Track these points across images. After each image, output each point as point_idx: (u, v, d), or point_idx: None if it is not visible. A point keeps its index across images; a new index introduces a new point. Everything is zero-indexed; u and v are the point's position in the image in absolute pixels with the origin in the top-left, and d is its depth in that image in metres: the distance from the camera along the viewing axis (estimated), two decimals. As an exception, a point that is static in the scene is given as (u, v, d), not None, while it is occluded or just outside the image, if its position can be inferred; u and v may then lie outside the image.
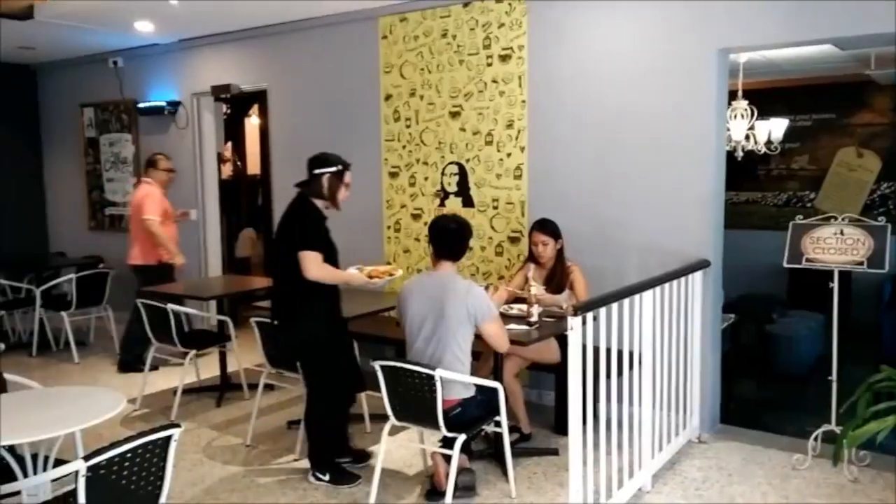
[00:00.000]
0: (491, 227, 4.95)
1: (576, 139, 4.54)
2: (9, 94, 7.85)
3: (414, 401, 3.24)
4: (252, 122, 8.55)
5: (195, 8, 5.40)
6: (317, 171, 3.57)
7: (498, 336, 3.37)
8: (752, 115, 5.44)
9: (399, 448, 3.98)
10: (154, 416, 4.71)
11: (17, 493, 2.67)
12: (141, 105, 6.92)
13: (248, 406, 4.71)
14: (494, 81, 4.83)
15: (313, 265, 3.46)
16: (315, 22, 5.65)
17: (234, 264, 8.12)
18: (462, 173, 5.06)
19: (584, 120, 4.50)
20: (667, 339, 3.67)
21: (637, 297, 3.32)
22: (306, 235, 3.49)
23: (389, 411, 3.34)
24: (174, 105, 6.76)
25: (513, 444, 3.67)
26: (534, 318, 3.66)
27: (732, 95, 5.04)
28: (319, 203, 3.60)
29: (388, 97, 5.37)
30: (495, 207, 4.92)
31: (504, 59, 4.77)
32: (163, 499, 2.45)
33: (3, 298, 6.51)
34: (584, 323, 2.86)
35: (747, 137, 5.59)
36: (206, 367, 5.30)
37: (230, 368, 5.21)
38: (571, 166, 4.57)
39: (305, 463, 3.80)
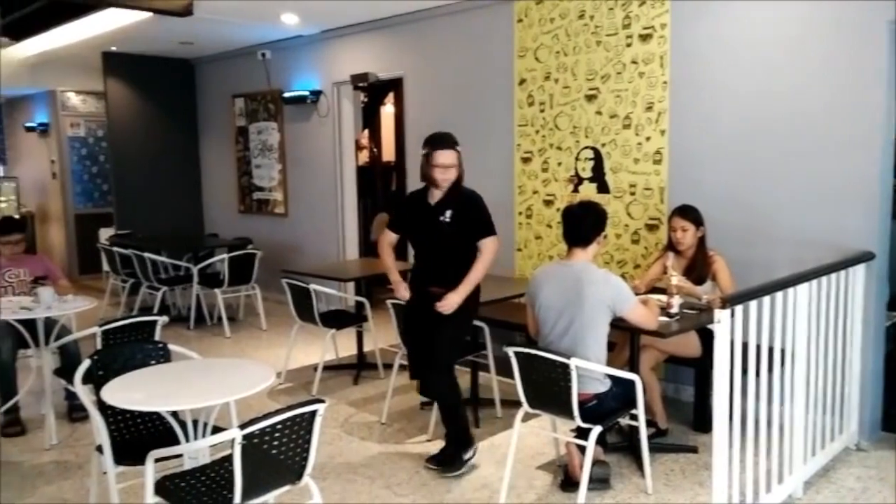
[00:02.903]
0: (627, 213, 4.79)
1: (721, 121, 4.29)
2: (172, 86, 8.57)
3: (548, 389, 3.20)
4: (387, 111, 8.77)
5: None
6: None
7: (645, 317, 3.27)
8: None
9: (530, 435, 3.96)
10: (296, 391, 4.98)
11: (180, 455, 2.90)
12: (286, 94, 7.29)
13: (382, 385, 4.87)
14: (634, 62, 4.65)
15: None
16: (451, 8, 5.69)
17: (370, 248, 8.39)
18: (597, 158, 4.93)
19: (732, 101, 4.23)
20: (823, 337, 3.40)
21: (791, 290, 3.09)
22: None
23: (522, 398, 3.33)
24: (316, 94, 7.06)
25: (649, 438, 3.55)
26: (674, 310, 3.51)
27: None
28: None
29: (521, 81, 5.31)
30: (632, 193, 4.76)
31: (644, 38, 4.58)
32: (308, 469, 2.57)
33: (165, 275, 7.12)
34: (732, 316, 2.70)
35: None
36: (344, 346, 5.53)
37: (366, 348, 5.41)
38: (716, 150, 4.33)
39: (439, 443, 3.87)
